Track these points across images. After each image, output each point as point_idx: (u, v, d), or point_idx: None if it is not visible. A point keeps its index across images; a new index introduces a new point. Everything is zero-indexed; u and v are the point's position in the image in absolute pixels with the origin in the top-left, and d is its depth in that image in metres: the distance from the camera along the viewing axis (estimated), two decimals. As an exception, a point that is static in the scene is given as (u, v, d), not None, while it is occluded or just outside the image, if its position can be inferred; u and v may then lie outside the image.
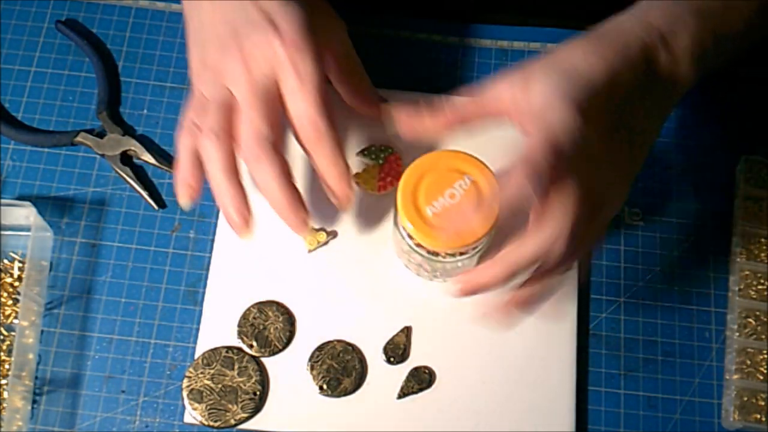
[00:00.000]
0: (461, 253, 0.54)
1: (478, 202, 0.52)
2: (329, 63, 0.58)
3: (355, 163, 0.64)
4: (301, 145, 0.53)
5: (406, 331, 0.62)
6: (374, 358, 0.61)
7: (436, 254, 0.54)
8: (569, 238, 0.48)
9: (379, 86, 0.64)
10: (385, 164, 0.64)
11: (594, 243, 0.53)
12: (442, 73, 0.70)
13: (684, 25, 0.51)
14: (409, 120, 0.52)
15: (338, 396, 0.60)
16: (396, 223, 0.55)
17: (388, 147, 0.64)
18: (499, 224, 0.50)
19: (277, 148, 0.51)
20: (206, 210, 0.65)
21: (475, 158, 0.53)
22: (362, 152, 0.65)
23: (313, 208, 0.64)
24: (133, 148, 0.66)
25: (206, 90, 0.53)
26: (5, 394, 0.59)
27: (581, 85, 0.47)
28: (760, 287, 0.64)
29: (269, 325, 0.61)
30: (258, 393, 0.59)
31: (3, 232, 0.63)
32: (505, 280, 0.50)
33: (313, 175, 0.65)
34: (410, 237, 0.53)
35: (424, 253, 0.54)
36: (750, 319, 0.63)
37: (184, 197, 0.53)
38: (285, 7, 0.52)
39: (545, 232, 0.48)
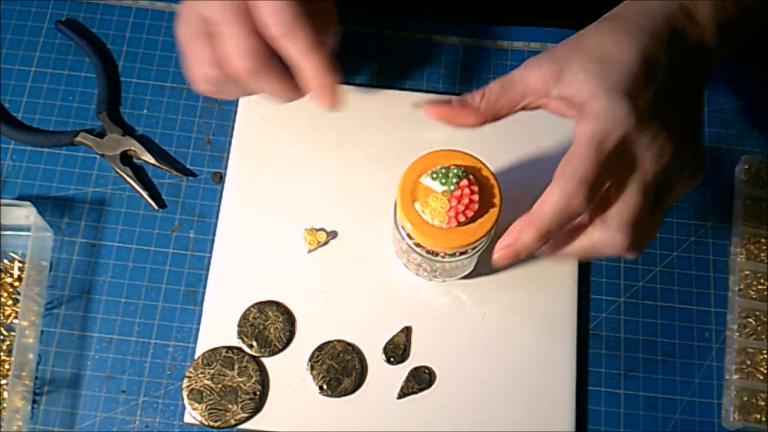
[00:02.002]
0: (461, 253, 0.54)
1: (478, 200, 0.52)
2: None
3: (420, 191, 0.53)
4: (274, 45, 0.50)
5: (406, 331, 0.62)
6: (374, 358, 0.61)
7: (436, 254, 0.54)
8: (631, 228, 0.47)
9: (379, 86, 0.64)
10: (456, 191, 0.52)
11: (657, 226, 0.51)
12: (443, 73, 0.70)
13: None
14: (442, 111, 0.49)
15: (338, 396, 0.60)
16: (396, 223, 0.55)
17: (461, 168, 0.52)
18: (549, 235, 0.47)
19: (267, 57, 0.50)
20: (206, 210, 0.65)
21: (473, 156, 0.53)
22: (430, 175, 0.53)
23: (313, 208, 0.64)
24: (133, 148, 0.66)
25: (187, 26, 0.53)
26: (5, 394, 0.59)
27: (621, 73, 0.47)
28: (760, 287, 0.64)
29: (269, 325, 0.61)
30: (258, 393, 0.59)
31: (3, 232, 0.63)
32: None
33: (309, 176, 0.65)
34: (409, 237, 0.53)
35: (423, 252, 0.54)
36: (750, 319, 0.63)
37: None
38: None
39: (608, 232, 0.47)
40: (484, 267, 0.62)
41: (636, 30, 0.48)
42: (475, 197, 0.51)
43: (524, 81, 0.49)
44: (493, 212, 0.52)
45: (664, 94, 0.48)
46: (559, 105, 0.48)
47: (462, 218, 0.51)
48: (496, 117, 0.50)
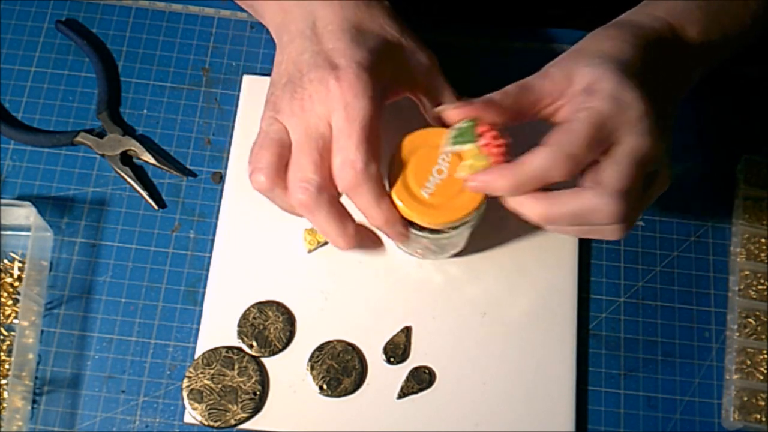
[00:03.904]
0: (462, 224, 0.54)
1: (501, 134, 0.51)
2: (397, 93, 0.56)
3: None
4: (341, 190, 0.51)
5: (406, 331, 0.62)
6: (374, 358, 0.61)
7: (440, 231, 0.54)
8: (624, 197, 0.48)
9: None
10: (482, 139, 0.51)
11: (641, 211, 0.53)
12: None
13: (690, 17, 0.54)
14: (467, 111, 0.50)
15: (338, 396, 0.60)
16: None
17: (468, 120, 0.51)
18: (520, 191, 0.49)
19: (329, 193, 0.50)
20: (206, 210, 0.65)
21: (447, 130, 0.52)
22: (450, 140, 0.52)
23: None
24: (133, 148, 0.66)
25: (266, 126, 0.52)
26: (5, 394, 0.59)
27: (622, 67, 0.49)
28: (760, 287, 0.64)
29: (269, 325, 0.61)
30: (258, 393, 0.59)
31: (3, 232, 0.63)
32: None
33: None
34: (412, 224, 0.53)
35: (427, 234, 0.54)
36: (750, 319, 0.63)
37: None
38: (348, 48, 0.51)
39: (602, 197, 0.48)
40: (477, 245, 0.63)
41: (629, 35, 0.52)
42: (497, 132, 0.51)
43: (539, 85, 0.51)
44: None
45: (654, 93, 0.50)
46: (576, 101, 0.49)
47: (503, 157, 0.50)
48: (517, 118, 0.51)
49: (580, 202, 0.48)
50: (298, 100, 0.51)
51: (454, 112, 0.50)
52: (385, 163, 0.52)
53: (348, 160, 0.49)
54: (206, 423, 0.59)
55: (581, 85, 0.50)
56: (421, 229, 0.53)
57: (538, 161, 0.47)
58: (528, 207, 0.49)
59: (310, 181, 0.50)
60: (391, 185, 0.52)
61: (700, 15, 0.54)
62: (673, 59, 0.53)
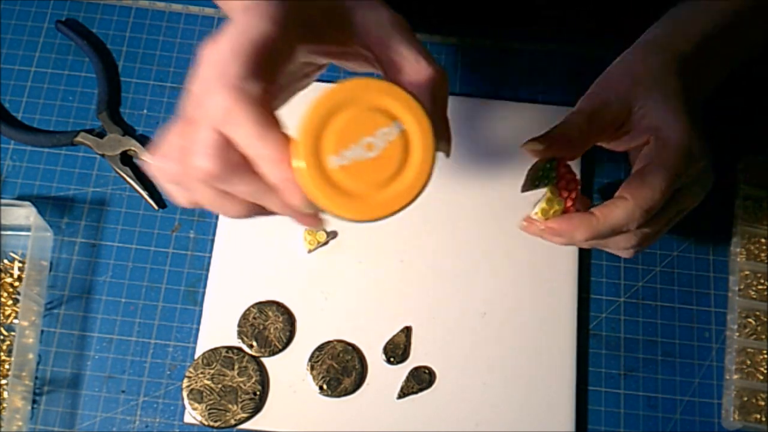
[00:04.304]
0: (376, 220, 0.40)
1: (403, 162, 0.38)
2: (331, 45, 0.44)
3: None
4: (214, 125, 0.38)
5: (406, 331, 0.62)
6: (374, 358, 0.61)
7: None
8: (647, 209, 0.49)
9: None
10: (560, 180, 0.51)
11: (663, 232, 0.54)
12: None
13: (716, 39, 0.55)
14: (551, 153, 0.50)
15: (338, 396, 0.60)
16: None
17: (549, 161, 0.50)
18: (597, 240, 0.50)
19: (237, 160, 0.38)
20: (206, 210, 0.65)
21: (414, 98, 0.38)
22: (531, 182, 0.50)
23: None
24: (133, 148, 0.66)
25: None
26: (5, 394, 0.59)
27: (681, 106, 0.51)
28: (760, 287, 0.64)
29: (269, 325, 0.61)
30: (258, 393, 0.59)
31: (3, 232, 0.63)
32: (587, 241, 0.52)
33: None
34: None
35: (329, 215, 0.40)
36: (750, 319, 0.63)
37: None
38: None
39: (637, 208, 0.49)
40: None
41: (670, 60, 0.53)
42: (573, 175, 0.51)
43: (600, 115, 0.51)
44: (418, 182, 0.38)
45: (697, 123, 0.52)
46: (648, 147, 0.51)
47: (570, 202, 0.51)
48: (585, 149, 0.52)
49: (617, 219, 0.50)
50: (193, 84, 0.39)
51: (540, 151, 0.50)
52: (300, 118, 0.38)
53: (220, 73, 0.37)
54: (206, 423, 0.59)
55: (647, 122, 0.51)
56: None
57: (618, 215, 0.49)
58: (577, 237, 0.50)
59: (213, 143, 0.37)
60: (298, 149, 0.38)
61: (723, 34, 0.55)
62: (702, 80, 0.55)
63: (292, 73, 0.44)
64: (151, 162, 0.41)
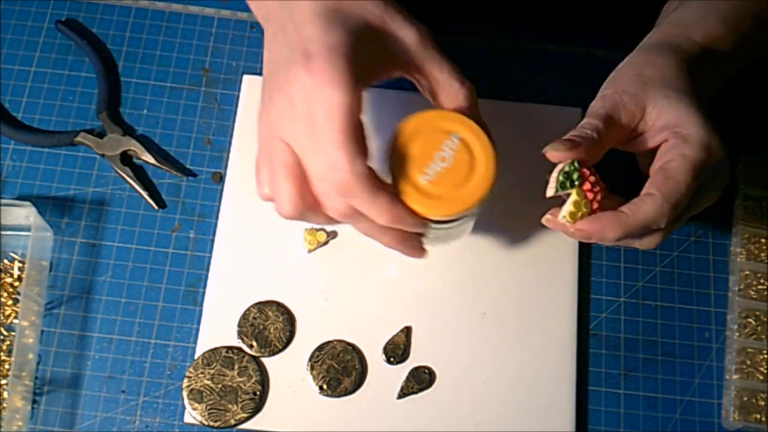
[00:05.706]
0: (464, 216, 0.51)
1: (471, 162, 0.49)
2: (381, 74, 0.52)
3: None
4: (337, 194, 0.48)
5: (406, 331, 0.62)
6: (374, 358, 0.61)
7: (438, 222, 0.51)
8: (675, 205, 0.50)
9: (379, 86, 0.64)
10: (584, 182, 0.51)
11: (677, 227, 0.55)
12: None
13: (720, 41, 0.56)
14: (573, 155, 0.50)
15: (338, 396, 0.60)
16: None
17: (571, 163, 0.51)
18: (625, 234, 0.50)
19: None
20: (206, 210, 0.65)
21: (457, 114, 0.50)
22: (556, 186, 0.51)
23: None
24: (133, 148, 0.66)
25: (265, 140, 0.50)
26: (5, 394, 0.59)
27: (695, 104, 0.51)
28: (760, 287, 0.64)
29: (269, 325, 0.61)
30: (258, 393, 0.59)
31: (3, 232, 0.63)
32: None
33: None
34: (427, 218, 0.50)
35: (430, 225, 0.51)
36: (750, 319, 0.63)
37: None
38: (322, 32, 0.47)
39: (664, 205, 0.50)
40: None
41: (680, 62, 0.53)
42: (597, 177, 0.51)
43: (617, 117, 0.51)
44: (490, 171, 0.50)
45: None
46: (668, 144, 0.51)
47: (596, 204, 0.51)
48: (604, 152, 0.52)
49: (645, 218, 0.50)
50: (280, 105, 0.48)
51: (562, 154, 0.50)
52: (386, 151, 0.50)
53: (330, 162, 0.46)
54: (206, 423, 0.59)
55: (662, 120, 0.51)
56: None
57: (647, 211, 0.49)
58: (608, 237, 0.50)
59: (292, 197, 0.48)
60: (393, 176, 0.49)
61: (728, 37, 0.56)
62: (707, 82, 0.55)
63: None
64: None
